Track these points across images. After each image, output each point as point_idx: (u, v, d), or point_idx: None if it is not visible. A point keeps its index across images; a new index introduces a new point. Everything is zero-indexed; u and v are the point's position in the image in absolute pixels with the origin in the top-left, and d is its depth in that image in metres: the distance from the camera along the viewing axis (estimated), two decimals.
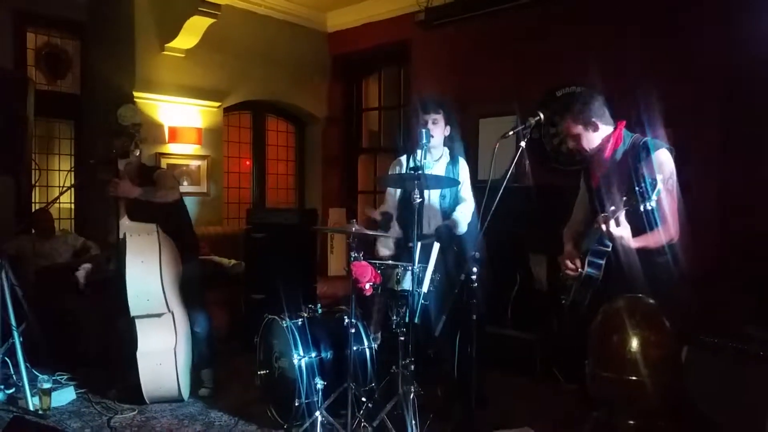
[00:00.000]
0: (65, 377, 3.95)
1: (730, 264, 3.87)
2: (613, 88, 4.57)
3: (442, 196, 3.59)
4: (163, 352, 3.50)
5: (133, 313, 3.45)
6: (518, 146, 2.81)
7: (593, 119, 2.73)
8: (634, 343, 2.15)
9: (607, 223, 2.42)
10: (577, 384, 3.12)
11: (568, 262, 2.80)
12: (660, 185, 2.27)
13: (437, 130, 3.51)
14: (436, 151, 3.59)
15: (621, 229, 2.42)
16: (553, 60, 5.01)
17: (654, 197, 2.28)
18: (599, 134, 2.75)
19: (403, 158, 3.70)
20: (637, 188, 2.32)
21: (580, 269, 2.71)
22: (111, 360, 3.83)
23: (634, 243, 2.48)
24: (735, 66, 4.00)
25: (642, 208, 2.31)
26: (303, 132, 7.35)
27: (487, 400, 3.51)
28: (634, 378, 2.12)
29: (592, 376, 2.27)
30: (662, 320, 2.20)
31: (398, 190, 3.65)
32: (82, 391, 3.76)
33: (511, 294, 4.61)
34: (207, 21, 5.37)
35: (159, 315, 3.50)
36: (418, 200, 2.97)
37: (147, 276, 3.44)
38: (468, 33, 5.56)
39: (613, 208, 2.43)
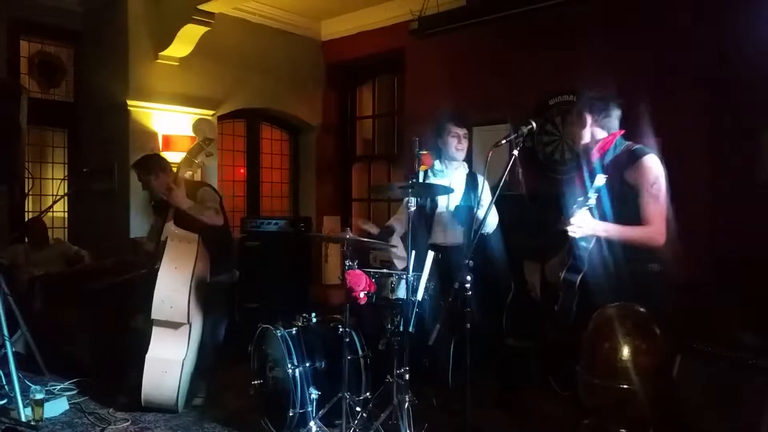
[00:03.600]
0: (59, 387, 3.93)
1: (722, 271, 3.88)
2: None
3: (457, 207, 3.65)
4: (171, 362, 3.50)
5: (153, 316, 3.46)
6: (511, 154, 2.83)
7: (584, 113, 2.77)
8: (625, 351, 2.15)
9: (568, 223, 2.53)
10: (571, 391, 3.13)
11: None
12: (600, 183, 2.42)
13: (465, 143, 3.74)
14: (456, 163, 3.74)
15: (580, 220, 2.51)
16: (546, 69, 5.04)
17: (591, 195, 2.43)
18: (586, 131, 2.78)
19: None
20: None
21: (559, 273, 2.75)
22: (117, 367, 3.81)
23: (604, 226, 2.55)
24: (724, 73, 4.04)
25: (585, 204, 2.47)
26: (297, 140, 7.35)
27: (483, 408, 3.50)
28: (624, 386, 2.12)
29: (583, 384, 2.27)
30: (653, 328, 2.21)
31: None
32: (75, 401, 3.74)
33: (506, 302, 4.61)
34: (201, 29, 5.38)
35: (177, 325, 3.51)
36: (413, 208, 3.01)
37: (176, 284, 3.47)
38: (461, 42, 5.58)
39: (575, 206, 2.54)
